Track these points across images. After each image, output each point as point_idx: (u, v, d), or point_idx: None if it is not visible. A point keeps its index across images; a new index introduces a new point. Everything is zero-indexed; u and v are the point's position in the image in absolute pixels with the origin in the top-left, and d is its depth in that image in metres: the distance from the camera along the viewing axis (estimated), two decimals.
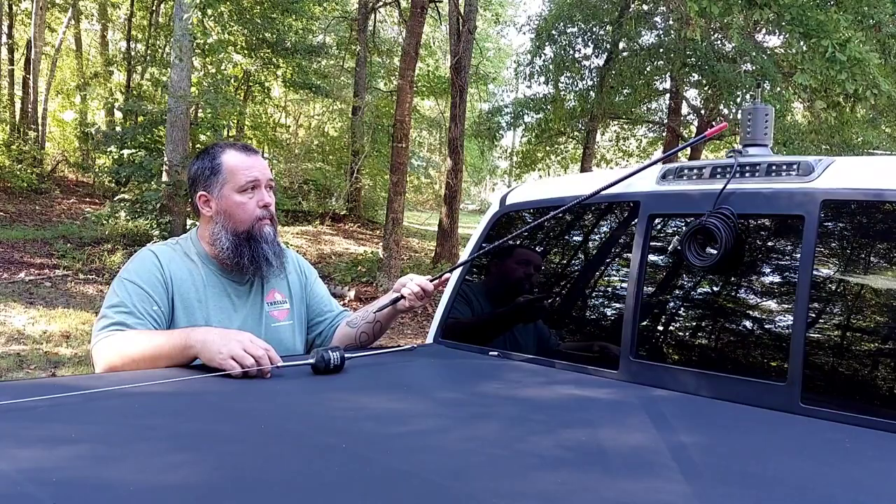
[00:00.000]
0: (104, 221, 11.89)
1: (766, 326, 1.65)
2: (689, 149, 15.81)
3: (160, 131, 12.40)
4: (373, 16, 15.99)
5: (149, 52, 17.60)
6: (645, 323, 1.82)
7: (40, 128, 16.82)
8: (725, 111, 14.25)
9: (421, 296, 2.01)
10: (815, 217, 1.56)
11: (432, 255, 14.38)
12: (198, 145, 12.23)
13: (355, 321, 2.12)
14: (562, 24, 14.32)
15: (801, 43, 8.88)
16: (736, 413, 1.52)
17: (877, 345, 1.49)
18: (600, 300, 2.06)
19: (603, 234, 2.10)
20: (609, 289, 2.02)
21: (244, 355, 1.56)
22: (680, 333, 1.83)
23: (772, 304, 1.65)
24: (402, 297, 2.02)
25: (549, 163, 17.81)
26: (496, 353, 2.06)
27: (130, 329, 1.73)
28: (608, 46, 14.23)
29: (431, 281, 2.03)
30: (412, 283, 2.01)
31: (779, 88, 10.03)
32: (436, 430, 1.35)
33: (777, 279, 1.67)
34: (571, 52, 14.56)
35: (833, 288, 1.57)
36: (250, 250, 1.87)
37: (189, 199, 1.98)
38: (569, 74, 14.91)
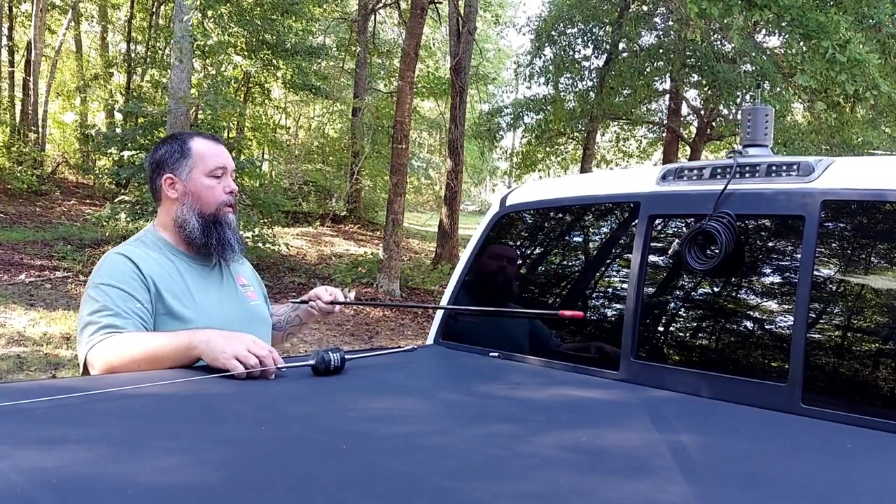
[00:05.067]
0: (104, 223, 11.88)
1: (766, 327, 1.65)
2: (689, 149, 15.84)
3: (160, 133, 12.38)
4: (372, 17, 16.00)
5: (149, 53, 17.61)
6: (645, 324, 1.82)
7: (40, 129, 16.83)
8: (725, 111, 14.27)
9: (326, 312, 2.17)
10: (816, 217, 1.56)
11: (432, 255, 14.38)
12: None
13: (281, 325, 2.22)
14: (561, 24, 14.33)
15: (801, 44, 8.88)
16: (737, 414, 1.52)
17: (877, 345, 1.49)
18: (601, 301, 2.06)
19: (603, 235, 2.10)
20: (609, 289, 2.02)
21: (248, 355, 1.56)
22: (680, 334, 1.83)
23: (772, 305, 1.65)
24: (313, 307, 2.16)
25: (549, 163, 17.82)
26: (496, 353, 2.06)
27: (121, 330, 1.71)
28: (608, 47, 14.23)
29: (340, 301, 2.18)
30: (324, 297, 2.14)
31: (778, 89, 10.04)
32: (436, 431, 1.35)
33: (777, 280, 1.67)
34: (571, 52, 14.56)
35: (834, 288, 1.57)
36: (217, 233, 1.92)
37: (149, 183, 2.00)
38: (568, 75, 14.92)
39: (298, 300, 2.20)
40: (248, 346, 1.58)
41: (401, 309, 10.29)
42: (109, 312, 1.72)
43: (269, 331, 2.10)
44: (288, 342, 2.24)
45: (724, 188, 1.70)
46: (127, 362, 1.65)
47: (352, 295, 2.19)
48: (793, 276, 1.60)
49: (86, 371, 1.73)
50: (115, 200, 12.62)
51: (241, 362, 1.56)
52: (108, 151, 14.00)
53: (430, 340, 2.34)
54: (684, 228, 1.80)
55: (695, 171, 1.83)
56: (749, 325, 1.68)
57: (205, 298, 1.88)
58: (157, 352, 1.64)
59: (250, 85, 15.79)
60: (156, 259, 1.87)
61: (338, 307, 2.21)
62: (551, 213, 2.22)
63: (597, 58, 14.80)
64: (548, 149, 17.27)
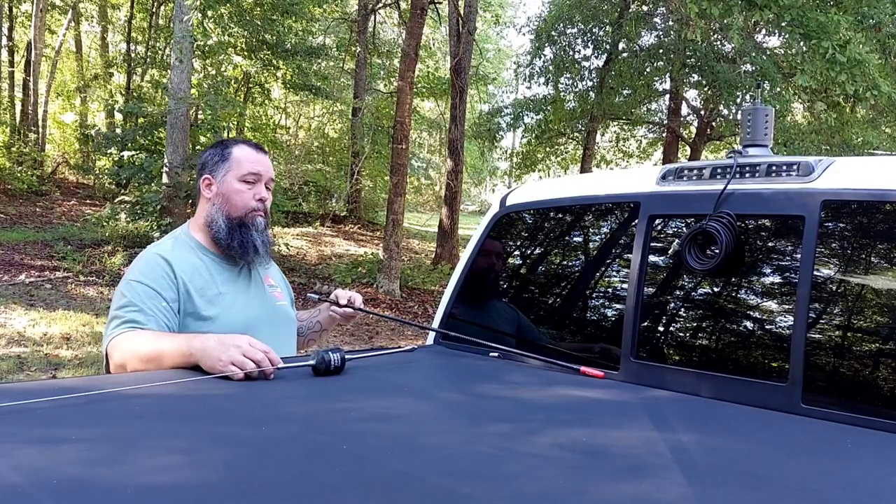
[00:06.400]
0: (104, 223, 11.89)
1: (766, 327, 1.65)
2: (689, 149, 15.84)
3: (160, 133, 12.40)
4: (372, 17, 15.99)
5: (149, 53, 17.61)
6: (645, 323, 1.82)
7: (40, 130, 16.83)
8: (725, 111, 14.27)
9: (347, 315, 2.18)
10: (816, 217, 1.56)
11: (433, 256, 14.39)
12: (198, 147, 12.23)
13: (303, 330, 2.24)
14: (561, 25, 14.33)
15: (801, 44, 8.88)
16: (737, 413, 1.52)
17: (877, 345, 1.49)
18: (601, 301, 2.06)
19: (603, 235, 2.10)
20: (609, 289, 2.02)
21: (244, 361, 1.56)
22: (680, 334, 1.83)
23: (772, 305, 1.65)
24: (334, 312, 2.16)
25: (549, 164, 17.82)
26: (496, 353, 2.06)
27: (142, 326, 1.77)
28: (608, 47, 14.23)
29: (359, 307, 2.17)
30: (344, 300, 2.13)
31: (778, 89, 10.03)
32: (436, 431, 1.35)
33: (777, 280, 1.67)
34: (571, 52, 14.57)
35: (834, 288, 1.57)
36: (241, 235, 1.97)
37: (194, 184, 2.07)
38: (568, 75, 14.92)
39: (318, 296, 2.21)
40: (245, 351, 1.58)
41: (407, 317, 10.29)
42: (134, 308, 1.80)
43: (295, 330, 2.15)
44: (310, 348, 2.26)
45: (724, 188, 1.70)
46: (135, 360, 1.71)
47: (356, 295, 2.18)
48: (793, 276, 1.60)
49: (107, 360, 1.81)
50: (115, 201, 12.62)
51: (237, 368, 1.56)
52: (108, 152, 14.01)
53: (430, 340, 2.34)
54: (684, 228, 1.80)
55: (695, 172, 1.83)
56: (749, 325, 1.68)
57: (233, 297, 1.95)
58: (161, 353, 1.68)
59: (250, 85, 15.79)
60: (187, 259, 1.94)
61: (359, 311, 2.19)
62: (551, 214, 2.22)
63: (597, 58, 14.81)
64: (548, 149, 17.27)
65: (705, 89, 13.92)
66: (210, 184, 2.01)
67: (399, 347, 2.15)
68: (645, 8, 14.28)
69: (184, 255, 1.94)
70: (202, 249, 1.98)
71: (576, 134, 16.67)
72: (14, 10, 17.79)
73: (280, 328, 2.02)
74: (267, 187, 2.03)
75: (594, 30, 14.30)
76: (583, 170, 15.71)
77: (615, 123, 17.82)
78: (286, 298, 2.16)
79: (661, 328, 1.85)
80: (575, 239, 2.19)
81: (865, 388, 1.48)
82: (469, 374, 1.95)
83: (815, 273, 1.55)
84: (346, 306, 2.13)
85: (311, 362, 1.67)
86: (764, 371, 1.60)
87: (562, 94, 15.01)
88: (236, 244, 1.96)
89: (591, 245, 2.12)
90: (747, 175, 1.72)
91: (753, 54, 10.57)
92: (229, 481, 1.00)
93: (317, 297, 2.18)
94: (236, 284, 1.98)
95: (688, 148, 16.00)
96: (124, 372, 1.72)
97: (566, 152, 18.25)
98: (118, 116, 17.85)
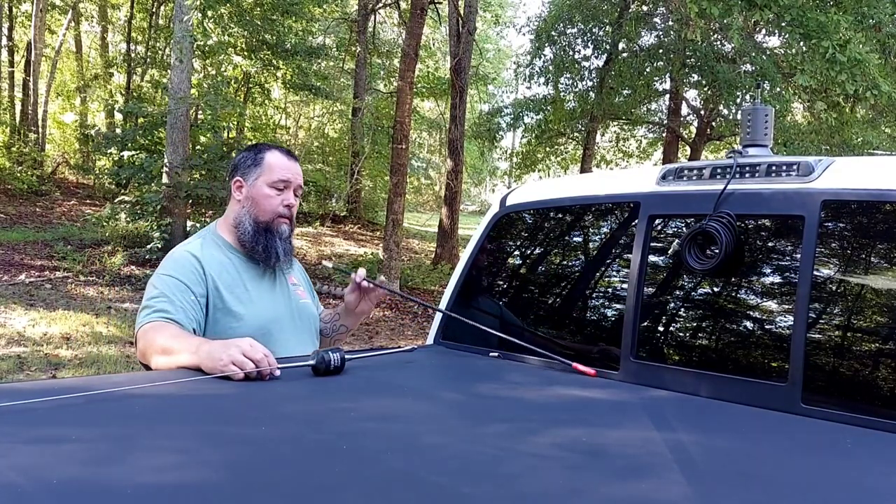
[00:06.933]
0: (104, 223, 11.90)
1: (766, 327, 1.65)
2: (689, 149, 15.83)
3: (160, 133, 12.39)
4: (372, 17, 15.98)
5: (149, 53, 17.61)
6: (645, 323, 1.82)
7: (40, 130, 16.83)
8: (725, 111, 14.26)
9: (361, 291, 2.20)
10: (816, 217, 1.56)
11: (432, 256, 14.38)
12: (198, 147, 12.24)
13: (327, 332, 2.29)
14: (561, 25, 14.32)
15: (801, 44, 8.88)
16: (737, 414, 1.52)
17: (877, 345, 1.49)
18: (601, 301, 2.06)
19: (603, 235, 2.10)
20: (609, 289, 2.02)
21: (244, 360, 1.57)
22: (680, 334, 1.83)
23: (772, 305, 1.65)
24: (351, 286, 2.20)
25: (549, 163, 17.81)
26: (496, 353, 2.06)
27: (171, 316, 1.85)
28: (608, 47, 14.22)
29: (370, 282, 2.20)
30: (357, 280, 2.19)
31: (778, 89, 10.03)
32: (436, 431, 1.35)
33: (777, 280, 1.67)
34: (571, 52, 14.56)
35: (833, 288, 1.57)
36: (265, 241, 2.04)
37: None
38: (568, 75, 14.91)
39: (331, 265, 2.37)
40: (244, 350, 1.60)
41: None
42: (165, 299, 1.89)
43: (318, 327, 2.23)
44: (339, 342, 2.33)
45: (724, 188, 1.70)
46: (154, 350, 1.78)
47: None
48: (793, 276, 1.60)
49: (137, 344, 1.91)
50: (115, 201, 12.62)
51: (238, 367, 1.57)
52: (108, 152, 14.01)
53: (430, 340, 2.34)
54: (684, 228, 1.80)
55: (695, 171, 1.83)
56: (749, 325, 1.68)
57: (259, 296, 2.02)
58: (175, 351, 1.73)
59: (250, 85, 15.79)
60: (216, 256, 2.01)
61: (373, 298, 2.25)
62: (551, 214, 2.22)
63: (597, 58, 14.80)
64: (548, 149, 17.26)
65: (705, 89, 13.91)
66: (241, 186, 2.07)
67: (399, 347, 2.15)
68: (645, 8, 14.28)
69: (212, 252, 2.01)
70: (229, 248, 2.06)
71: (576, 134, 16.66)
72: (14, 10, 17.78)
73: (303, 325, 2.11)
74: (295, 194, 2.10)
75: (594, 30, 14.29)
76: (583, 170, 15.71)
77: (615, 123, 17.81)
78: (308, 296, 2.23)
79: (660, 328, 1.85)
80: (575, 239, 2.19)
81: (865, 388, 1.48)
82: (469, 374, 1.95)
83: (815, 273, 1.55)
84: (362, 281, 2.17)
85: (311, 362, 1.67)
86: (764, 371, 1.60)
87: (562, 94, 15.00)
88: (260, 248, 2.04)
89: (591, 245, 2.12)
90: (747, 175, 1.72)
91: (753, 54, 10.57)
92: (229, 481, 1.00)
93: (331, 266, 2.43)
94: (262, 284, 2.06)
95: (688, 148, 16.00)
96: (146, 357, 1.82)
97: (566, 152, 18.24)
98: (118, 116, 17.85)
